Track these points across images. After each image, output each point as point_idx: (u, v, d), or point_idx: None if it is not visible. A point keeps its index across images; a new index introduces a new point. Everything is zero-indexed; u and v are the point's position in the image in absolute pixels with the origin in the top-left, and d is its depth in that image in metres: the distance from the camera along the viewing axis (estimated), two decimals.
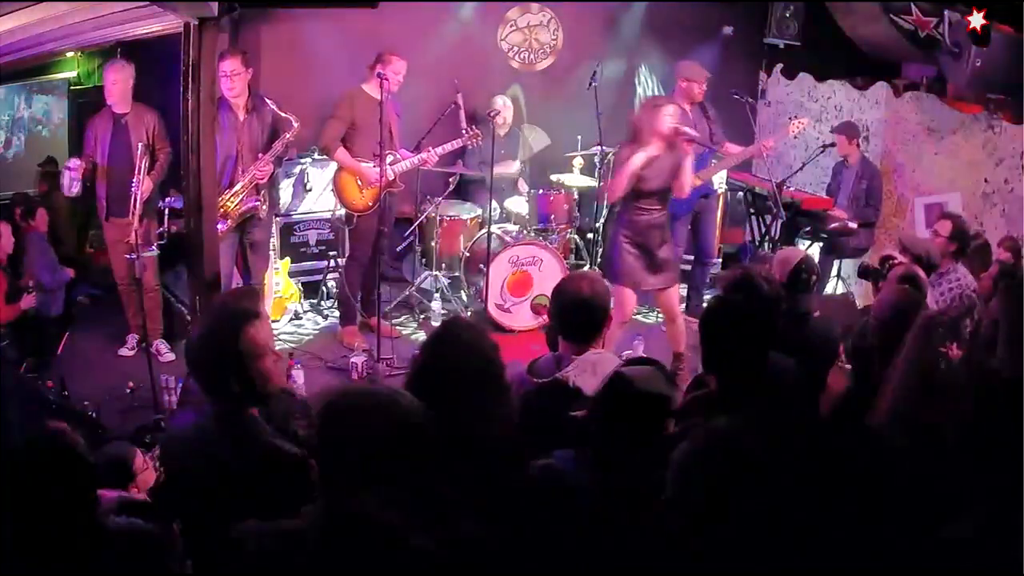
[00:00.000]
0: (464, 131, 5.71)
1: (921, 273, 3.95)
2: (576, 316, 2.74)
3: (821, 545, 1.87)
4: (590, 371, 2.62)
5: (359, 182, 5.47)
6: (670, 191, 4.93)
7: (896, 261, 4.13)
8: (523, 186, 6.80)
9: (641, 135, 4.79)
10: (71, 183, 5.09)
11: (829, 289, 6.32)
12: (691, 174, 4.95)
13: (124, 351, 5.47)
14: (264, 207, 5.27)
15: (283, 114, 5.11)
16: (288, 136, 5.14)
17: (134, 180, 4.80)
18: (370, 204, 5.49)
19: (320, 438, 1.79)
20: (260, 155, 5.14)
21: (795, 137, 6.18)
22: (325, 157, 6.01)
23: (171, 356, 5.37)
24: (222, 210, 5.02)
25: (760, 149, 5.91)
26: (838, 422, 2.57)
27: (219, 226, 4.98)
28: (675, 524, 1.83)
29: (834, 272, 6.47)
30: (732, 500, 1.75)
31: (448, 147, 5.66)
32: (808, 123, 6.10)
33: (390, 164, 5.37)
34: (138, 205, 4.76)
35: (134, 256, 4.86)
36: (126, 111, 5.16)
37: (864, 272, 4.39)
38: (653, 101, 5.03)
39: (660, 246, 4.97)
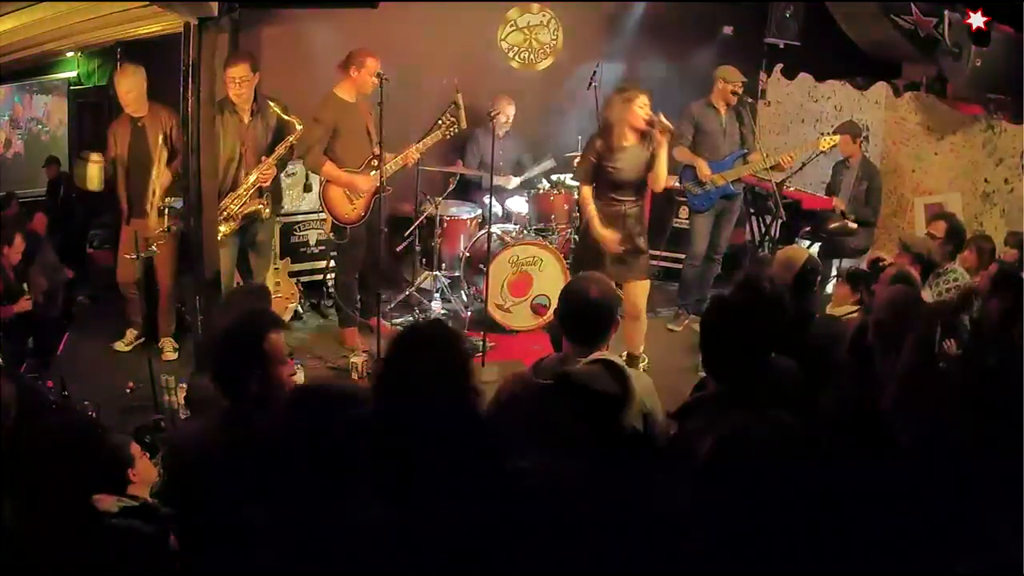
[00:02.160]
0: (438, 122, 5.53)
1: (913, 272, 3.96)
2: (583, 319, 2.73)
3: (828, 546, 1.87)
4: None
5: (348, 193, 5.39)
6: (644, 183, 4.92)
7: (886, 263, 4.15)
8: (514, 180, 6.75)
9: (613, 128, 4.79)
10: (96, 181, 5.09)
11: (828, 289, 6.32)
12: (666, 167, 4.89)
13: (119, 344, 5.47)
14: (268, 209, 5.27)
15: (287, 117, 5.11)
16: (291, 139, 5.14)
17: (152, 172, 4.82)
18: (362, 214, 5.42)
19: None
20: (264, 158, 5.14)
21: (825, 153, 6.14)
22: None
23: (172, 355, 5.36)
24: (226, 213, 5.03)
25: (786, 160, 5.88)
26: (840, 421, 2.57)
27: (223, 228, 4.99)
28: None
29: (833, 272, 6.46)
30: (747, 501, 1.74)
31: (428, 140, 5.51)
32: (836, 140, 6.05)
33: (376, 169, 5.32)
34: (157, 196, 4.77)
35: (137, 256, 4.88)
36: (143, 113, 5.15)
37: (853, 277, 4.40)
38: (624, 93, 4.89)
39: (631, 238, 4.95)
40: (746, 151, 6.01)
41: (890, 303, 3.07)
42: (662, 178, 4.93)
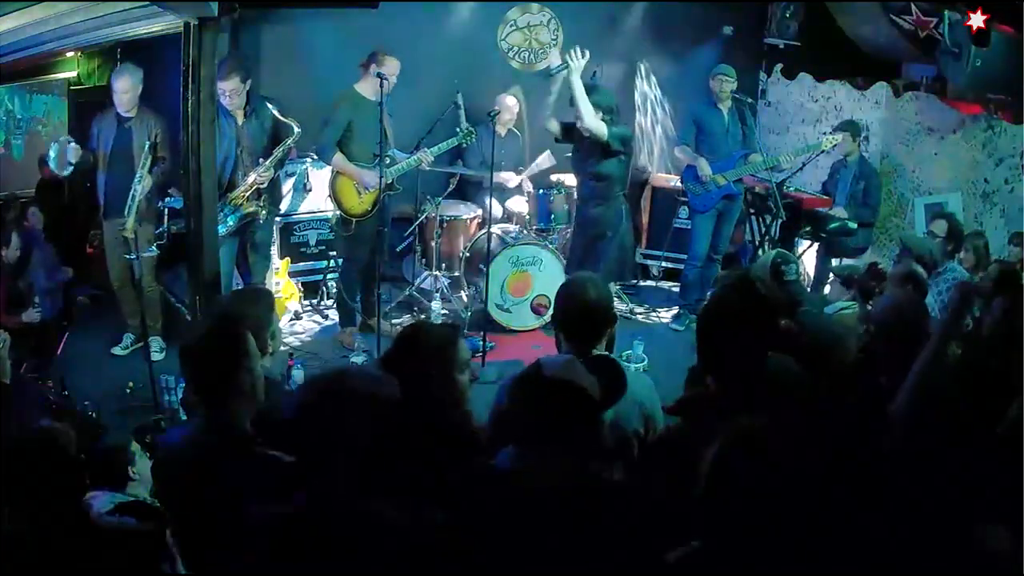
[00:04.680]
0: (458, 129, 5.66)
1: (921, 272, 3.97)
2: (581, 318, 2.73)
3: (835, 545, 1.87)
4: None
5: (357, 186, 5.43)
6: (610, 180, 4.90)
7: (882, 267, 4.17)
8: (527, 184, 6.78)
9: None
10: (62, 163, 5.08)
11: (827, 289, 6.32)
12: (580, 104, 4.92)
13: (116, 349, 5.48)
14: (264, 212, 5.27)
15: (284, 119, 5.11)
16: (289, 142, 5.14)
17: (135, 177, 4.83)
18: (369, 208, 5.45)
19: (298, 423, 1.82)
20: (260, 159, 5.14)
21: (827, 152, 6.17)
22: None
23: (160, 355, 5.33)
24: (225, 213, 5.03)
25: (785, 161, 5.91)
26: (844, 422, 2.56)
27: (221, 229, 4.99)
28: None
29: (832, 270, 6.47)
30: (761, 498, 1.73)
31: (444, 146, 5.62)
32: (839, 138, 6.09)
33: (387, 166, 5.34)
34: (135, 202, 4.77)
35: (133, 256, 4.88)
36: (130, 115, 5.17)
37: (848, 282, 4.40)
38: None
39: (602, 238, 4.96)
40: (748, 151, 6.02)
41: (895, 307, 3.06)
42: (583, 113, 4.94)
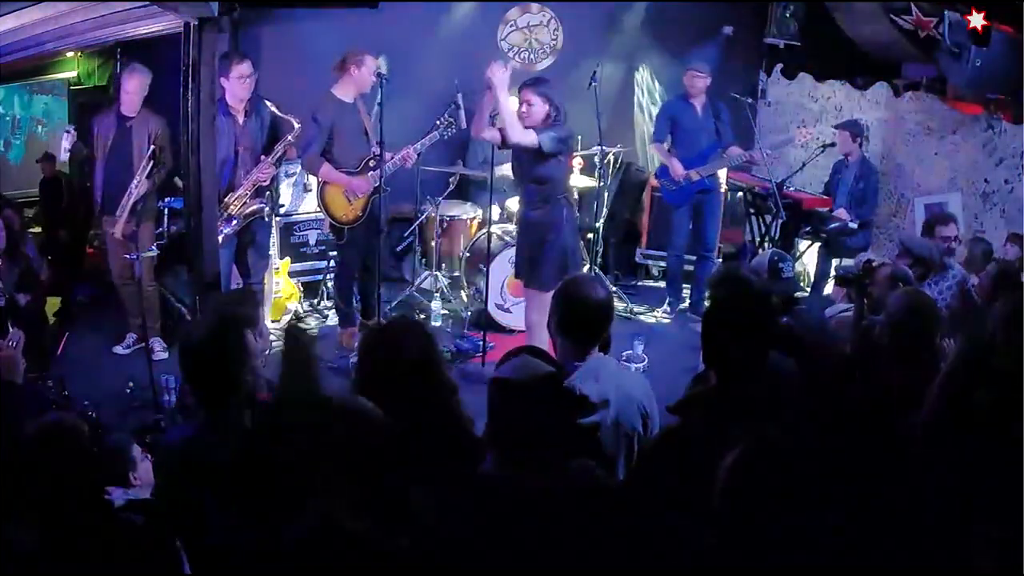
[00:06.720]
0: (437, 122, 5.58)
1: (910, 273, 4.02)
2: (587, 320, 2.72)
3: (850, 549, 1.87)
4: (593, 377, 2.61)
5: (347, 194, 5.35)
6: (554, 175, 4.65)
7: (877, 263, 4.17)
8: None
9: None
10: (59, 150, 5.12)
11: (828, 289, 6.32)
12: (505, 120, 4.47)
13: (119, 348, 5.48)
14: (268, 208, 5.27)
15: (283, 116, 5.10)
16: (290, 138, 5.14)
17: (133, 181, 4.83)
18: (360, 214, 5.39)
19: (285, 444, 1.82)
20: (263, 157, 5.14)
21: (801, 146, 6.26)
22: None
23: (163, 355, 5.34)
24: (227, 213, 5.03)
25: (760, 154, 5.97)
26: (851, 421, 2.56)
27: (227, 229, 4.99)
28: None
29: (833, 272, 6.46)
30: (779, 508, 1.71)
31: (426, 141, 5.55)
32: (814, 133, 6.18)
33: (374, 169, 5.30)
34: (130, 203, 4.77)
35: (134, 256, 4.89)
36: (132, 115, 5.16)
37: (845, 280, 4.40)
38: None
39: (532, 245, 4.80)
40: (722, 146, 6.09)
41: (906, 305, 3.05)
42: (509, 129, 4.52)
